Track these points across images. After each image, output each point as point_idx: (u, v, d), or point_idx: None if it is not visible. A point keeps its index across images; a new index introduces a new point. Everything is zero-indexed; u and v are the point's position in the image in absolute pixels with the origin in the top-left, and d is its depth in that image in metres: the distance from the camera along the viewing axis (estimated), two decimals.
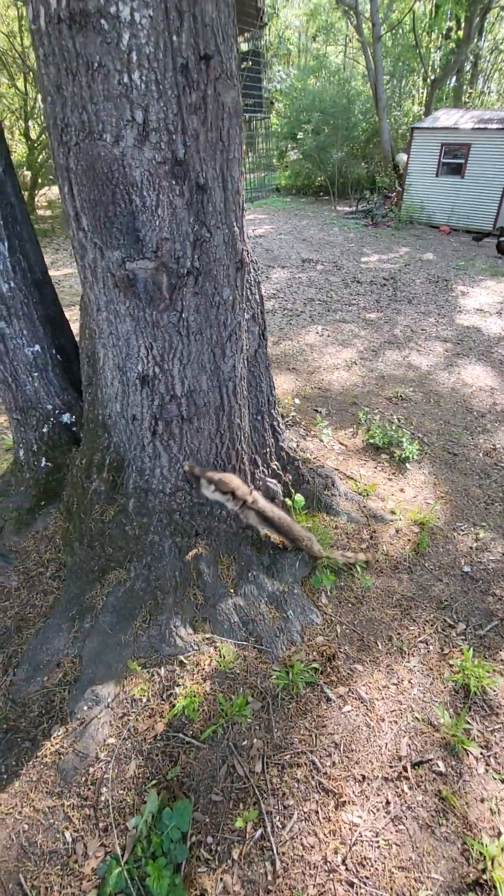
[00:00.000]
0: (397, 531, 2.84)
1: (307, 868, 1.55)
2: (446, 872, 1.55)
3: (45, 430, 2.55)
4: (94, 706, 1.89)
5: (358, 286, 7.88)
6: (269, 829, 1.61)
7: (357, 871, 1.54)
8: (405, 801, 1.70)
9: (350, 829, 1.63)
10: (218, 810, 1.67)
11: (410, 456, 3.48)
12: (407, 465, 3.47)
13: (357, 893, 1.49)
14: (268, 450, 2.60)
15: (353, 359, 5.23)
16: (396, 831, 1.63)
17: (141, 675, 1.99)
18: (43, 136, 11.74)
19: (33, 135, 11.55)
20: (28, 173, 11.87)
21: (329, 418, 4.03)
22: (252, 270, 2.16)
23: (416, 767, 1.79)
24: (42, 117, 12.00)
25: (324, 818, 1.66)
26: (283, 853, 1.57)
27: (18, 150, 12.79)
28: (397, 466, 3.46)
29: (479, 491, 3.29)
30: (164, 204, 1.51)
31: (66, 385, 2.57)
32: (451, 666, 2.13)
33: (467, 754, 1.83)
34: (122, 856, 1.53)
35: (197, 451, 2.13)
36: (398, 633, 2.27)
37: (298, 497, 2.62)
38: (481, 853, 1.57)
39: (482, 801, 1.71)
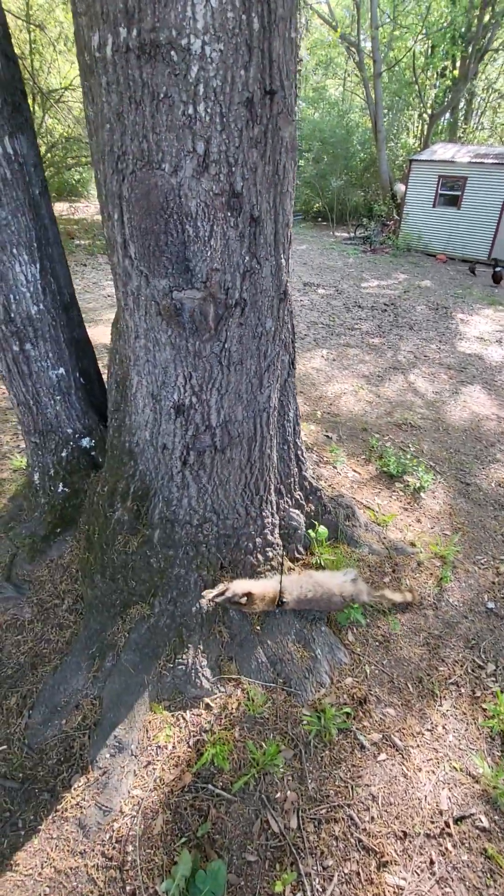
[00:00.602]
0: (419, 564, 2.79)
1: None
2: None
3: (63, 454, 2.47)
4: (118, 753, 1.78)
5: (360, 311, 7.97)
6: (308, 893, 1.51)
7: None
8: (450, 861, 1.61)
9: (395, 892, 1.53)
10: (253, 872, 1.56)
11: (425, 485, 3.44)
12: (422, 494, 3.44)
13: None
14: (292, 479, 2.55)
15: (360, 384, 5.23)
16: (443, 895, 1.54)
17: (166, 720, 1.88)
18: (49, 154, 11.85)
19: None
20: None
21: (341, 444, 4.00)
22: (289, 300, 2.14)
23: (459, 823, 1.70)
24: (48, 135, 12.12)
25: (366, 880, 1.56)
26: None
27: None
28: (412, 496, 3.42)
29: (495, 523, 3.26)
30: (218, 235, 1.48)
31: (87, 409, 2.50)
32: (484, 710, 2.06)
33: None
34: None
35: (227, 481, 2.07)
36: (427, 675, 2.19)
37: (322, 529, 2.56)
38: None
39: None
